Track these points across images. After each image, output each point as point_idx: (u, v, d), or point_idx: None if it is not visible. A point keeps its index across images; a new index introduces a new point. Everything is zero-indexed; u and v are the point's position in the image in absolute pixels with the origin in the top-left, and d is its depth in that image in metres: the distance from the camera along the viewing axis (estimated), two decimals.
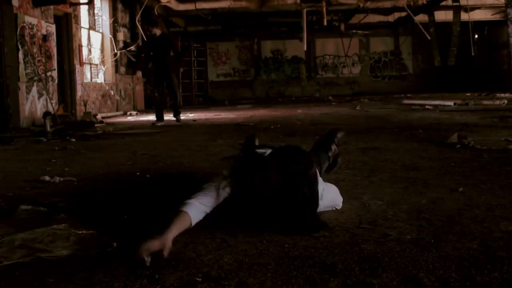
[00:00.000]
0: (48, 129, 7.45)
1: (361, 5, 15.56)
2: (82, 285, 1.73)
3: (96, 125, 9.44)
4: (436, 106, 11.68)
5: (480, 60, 22.35)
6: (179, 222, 2.14)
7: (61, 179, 3.73)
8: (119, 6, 14.87)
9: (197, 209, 2.23)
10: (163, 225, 2.13)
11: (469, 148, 4.70)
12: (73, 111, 11.52)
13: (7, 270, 1.88)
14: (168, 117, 10.19)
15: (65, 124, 9.03)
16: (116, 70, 14.34)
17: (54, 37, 10.85)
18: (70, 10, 11.60)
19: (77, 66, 11.90)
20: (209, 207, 2.28)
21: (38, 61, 10.07)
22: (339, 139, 3.37)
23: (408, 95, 19.09)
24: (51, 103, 10.26)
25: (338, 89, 23.75)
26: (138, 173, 3.96)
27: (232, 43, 23.78)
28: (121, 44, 14.45)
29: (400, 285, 1.65)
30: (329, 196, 2.50)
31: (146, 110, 15.36)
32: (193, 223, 2.20)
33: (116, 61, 14.14)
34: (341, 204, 2.62)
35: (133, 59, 15.09)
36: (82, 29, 12.48)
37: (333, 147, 3.23)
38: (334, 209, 2.56)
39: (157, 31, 9.72)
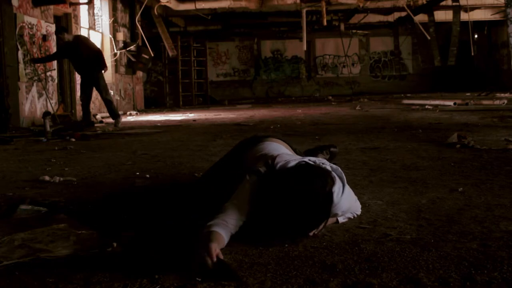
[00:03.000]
0: (48, 129, 7.45)
1: (361, 5, 15.56)
2: (82, 285, 1.73)
3: (96, 125, 9.44)
4: (436, 106, 11.68)
5: (480, 60, 22.35)
6: (218, 240, 1.98)
7: (61, 179, 3.73)
8: (119, 6, 14.88)
9: (227, 231, 2.07)
10: (163, 225, 2.13)
11: (469, 148, 4.70)
12: (73, 111, 11.52)
13: (7, 270, 1.88)
14: (168, 117, 10.18)
15: (65, 124, 9.03)
16: (116, 70, 14.34)
17: (54, 37, 10.84)
18: (69, 10, 11.60)
19: None
20: (236, 227, 2.13)
21: None
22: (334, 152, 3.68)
23: (408, 95, 19.10)
24: (51, 103, 10.26)
25: (338, 89, 23.74)
26: (138, 173, 3.96)
27: (232, 43, 23.77)
28: (120, 44, 14.44)
29: (400, 285, 1.65)
30: (346, 203, 2.34)
31: (146, 110, 15.36)
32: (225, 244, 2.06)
33: (116, 61, 14.14)
34: (360, 211, 2.50)
35: (133, 59, 15.09)
36: (82, 29, 12.48)
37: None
38: (354, 217, 2.43)
39: (69, 37, 9.23)
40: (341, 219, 2.36)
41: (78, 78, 11.89)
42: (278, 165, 2.27)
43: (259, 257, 1.93)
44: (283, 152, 2.55)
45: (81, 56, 9.08)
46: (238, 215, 2.12)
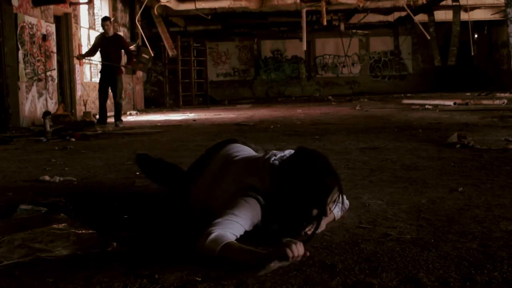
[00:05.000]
0: (48, 129, 7.45)
1: (361, 5, 15.56)
2: (82, 285, 1.73)
3: (96, 124, 9.44)
4: (436, 106, 11.68)
5: (480, 60, 22.34)
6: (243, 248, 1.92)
7: (61, 179, 3.73)
8: (119, 6, 14.88)
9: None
10: (163, 224, 2.13)
11: (469, 147, 4.71)
12: (73, 111, 11.52)
13: (7, 270, 1.88)
14: (168, 116, 10.17)
15: (65, 123, 9.02)
16: None
17: (54, 36, 10.85)
18: (69, 9, 11.60)
19: (77, 66, 11.90)
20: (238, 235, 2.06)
21: (38, 60, 10.07)
22: None
23: (408, 95, 19.09)
24: (51, 103, 10.26)
25: (338, 89, 23.73)
26: (138, 173, 3.96)
27: (232, 43, 23.77)
28: None
29: (400, 285, 1.65)
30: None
31: (146, 110, 15.36)
32: None
33: None
34: (348, 203, 2.56)
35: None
36: (82, 29, 12.48)
37: None
38: (345, 209, 2.48)
39: (110, 31, 9.78)
40: (335, 211, 2.35)
41: (78, 78, 11.91)
42: (276, 163, 2.23)
43: None
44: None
45: (109, 52, 9.52)
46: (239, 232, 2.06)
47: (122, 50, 9.91)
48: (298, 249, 1.77)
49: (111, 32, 9.78)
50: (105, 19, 9.92)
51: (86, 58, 10.26)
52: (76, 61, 11.86)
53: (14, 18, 9.18)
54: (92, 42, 13.18)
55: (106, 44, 9.59)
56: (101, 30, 13.94)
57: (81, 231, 2.29)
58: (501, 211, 2.49)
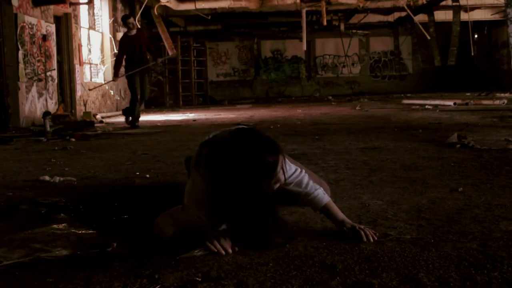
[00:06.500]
0: (48, 129, 7.45)
1: (361, 5, 15.57)
2: (82, 285, 1.73)
3: (96, 125, 9.44)
4: (436, 106, 11.68)
5: (480, 60, 22.35)
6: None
7: (61, 179, 3.73)
8: (119, 6, 14.88)
9: None
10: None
11: (469, 148, 4.70)
12: (73, 111, 11.52)
13: (7, 270, 1.88)
14: (168, 117, 10.17)
15: (65, 124, 9.03)
16: None
17: (54, 37, 10.85)
18: (69, 10, 11.60)
19: (77, 66, 11.90)
20: None
21: (38, 61, 10.07)
22: None
23: (408, 95, 19.10)
24: (51, 103, 10.26)
25: (338, 89, 23.74)
26: (138, 173, 3.96)
27: (232, 43, 23.77)
28: None
29: (400, 285, 1.65)
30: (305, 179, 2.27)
31: (146, 110, 15.36)
32: None
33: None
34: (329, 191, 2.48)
35: None
36: (82, 29, 12.48)
37: None
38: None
39: (133, 30, 9.23)
40: (319, 192, 2.25)
41: (78, 78, 11.90)
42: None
43: (259, 257, 1.93)
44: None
45: (136, 50, 9.11)
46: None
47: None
48: (223, 244, 1.98)
49: (134, 30, 9.21)
50: (128, 17, 9.31)
51: (119, 71, 9.71)
52: (76, 61, 11.86)
53: (14, 18, 9.19)
54: (92, 42, 13.21)
55: (133, 43, 9.07)
56: (100, 30, 13.97)
57: (81, 231, 2.29)
58: (501, 211, 2.49)
